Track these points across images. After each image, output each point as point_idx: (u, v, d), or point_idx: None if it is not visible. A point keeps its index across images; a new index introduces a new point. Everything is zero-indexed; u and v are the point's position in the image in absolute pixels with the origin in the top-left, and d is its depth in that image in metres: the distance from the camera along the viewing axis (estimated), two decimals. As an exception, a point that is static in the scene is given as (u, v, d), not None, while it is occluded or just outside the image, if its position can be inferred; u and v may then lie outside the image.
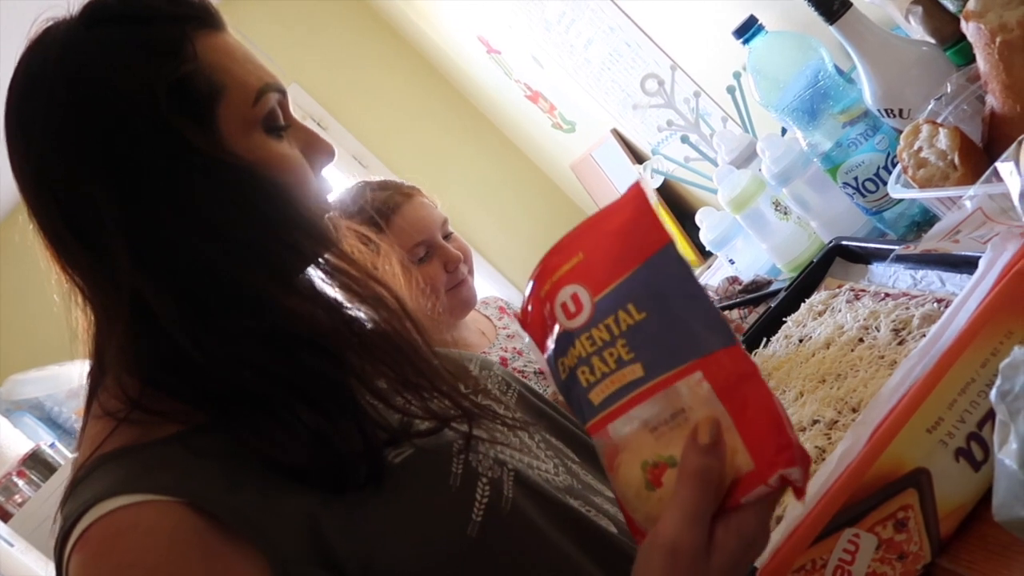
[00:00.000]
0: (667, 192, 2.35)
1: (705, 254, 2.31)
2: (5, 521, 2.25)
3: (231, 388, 0.56)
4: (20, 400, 2.70)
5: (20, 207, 0.59)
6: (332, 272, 0.63)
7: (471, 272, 1.33)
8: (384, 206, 1.26)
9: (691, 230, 2.35)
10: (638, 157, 2.35)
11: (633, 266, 0.47)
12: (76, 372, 2.80)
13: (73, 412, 2.76)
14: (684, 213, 2.37)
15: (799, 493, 0.46)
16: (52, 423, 2.72)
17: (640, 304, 0.46)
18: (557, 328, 0.49)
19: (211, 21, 0.61)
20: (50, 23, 0.60)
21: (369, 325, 0.62)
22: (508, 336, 1.36)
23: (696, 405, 0.46)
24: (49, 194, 0.58)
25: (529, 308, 0.52)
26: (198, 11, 0.60)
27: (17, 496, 2.38)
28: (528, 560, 0.59)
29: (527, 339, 0.52)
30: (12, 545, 2.09)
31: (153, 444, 0.56)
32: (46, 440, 2.51)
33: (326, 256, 0.63)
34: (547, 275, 0.50)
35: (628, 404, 0.47)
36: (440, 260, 1.28)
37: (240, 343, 0.57)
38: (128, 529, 0.51)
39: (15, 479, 2.39)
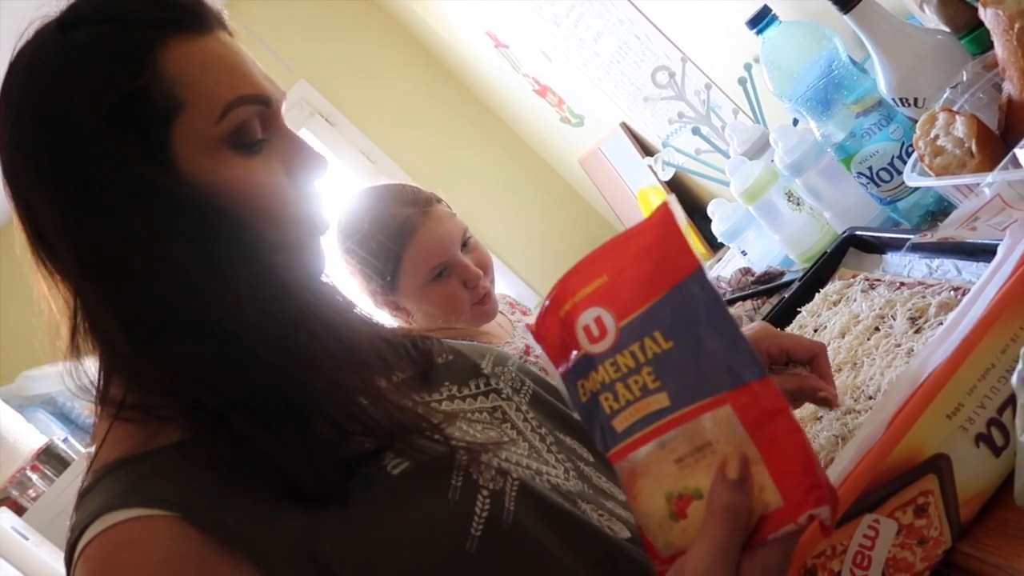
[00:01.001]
0: (676, 185, 2.34)
1: (715, 247, 2.31)
2: (19, 515, 2.26)
3: (180, 408, 0.56)
4: (33, 396, 2.72)
5: None
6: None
7: (493, 282, 1.29)
8: (402, 228, 1.22)
9: (700, 223, 2.36)
10: (647, 150, 2.35)
11: (661, 292, 0.46)
12: (87, 368, 2.81)
13: (85, 408, 2.78)
14: (694, 206, 2.37)
15: (826, 532, 0.45)
16: (65, 418, 2.74)
17: (668, 332, 0.46)
18: (577, 351, 0.48)
19: (192, 25, 0.58)
20: (37, 24, 0.60)
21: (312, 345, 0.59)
22: (526, 327, 1.33)
23: (723, 438, 0.45)
24: (15, 192, 0.59)
25: (545, 324, 0.50)
26: (177, 14, 0.58)
27: (31, 490, 2.40)
28: (530, 574, 0.58)
29: (539, 350, 0.52)
30: (27, 539, 2.10)
31: (153, 453, 0.56)
32: (59, 435, 2.53)
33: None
34: (568, 295, 0.48)
35: (652, 433, 0.46)
36: (459, 277, 1.24)
37: (182, 365, 0.56)
38: (125, 545, 0.52)
39: (29, 473, 2.40)
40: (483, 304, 1.26)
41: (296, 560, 0.53)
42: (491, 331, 1.31)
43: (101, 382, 0.59)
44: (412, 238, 1.21)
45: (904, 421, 0.59)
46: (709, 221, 2.35)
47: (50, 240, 0.58)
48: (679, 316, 0.45)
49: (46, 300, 0.60)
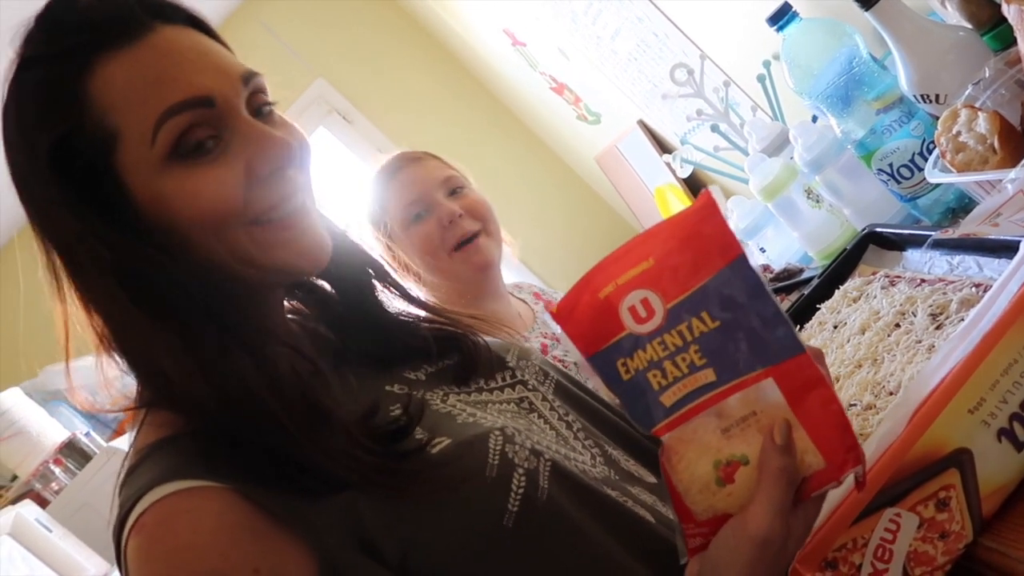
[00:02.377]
0: (694, 182, 2.34)
1: (732, 245, 2.31)
2: (43, 508, 2.29)
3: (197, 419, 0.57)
4: (55, 390, 2.75)
5: None
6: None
7: (487, 232, 1.24)
8: (386, 170, 1.24)
9: (718, 221, 2.35)
10: (664, 148, 2.35)
11: (707, 276, 0.48)
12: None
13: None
14: (711, 204, 2.37)
15: (861, 487, 0.51)
16: (86, 413, 2.77)
17: (714, 313, 0.48)
18: (620, 332, 0.50)
19: (118, 37, 0.55)
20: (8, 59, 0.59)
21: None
22: (547, 321, 1.31)
23: (766, 409, 0.49)
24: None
25: (573, 307, 0.52)
26: (101, 32, 0.55)
27: (54, 484, 2.43)
28: (564, 550, 0.59)
29: (558, 330, 0.53)
30: (51, 531, 2.13)
31: (192, 435, 0.57)
32: (81, 429, 2.56)
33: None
34: (609, 279, 0.50)
35: (699, 407, 0.50)
36: (435, 217, 1.21)
37: (184, 378, 0.56)
38: (180, 514, 0.53)
39: (52, 467, 2.43)
40: (466, 250, 1.21)
41: (342, 534, 0.54)
42: (511, 320, 1.28)
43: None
44: (393, 179, 1.23)
45: (926, 416, 0.59)
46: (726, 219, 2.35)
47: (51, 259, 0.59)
48: (724, 298, 0.48)
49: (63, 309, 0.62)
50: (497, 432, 0.61)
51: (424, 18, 3.25)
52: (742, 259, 0.48)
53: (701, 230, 0.49)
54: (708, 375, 0.49)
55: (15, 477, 2.52)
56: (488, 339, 0.78)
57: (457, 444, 0.59)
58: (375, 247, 1.29)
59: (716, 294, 0.48)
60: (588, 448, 0.68)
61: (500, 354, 0.74)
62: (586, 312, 0.51)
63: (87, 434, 2.53)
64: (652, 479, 0.70)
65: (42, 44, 0.56)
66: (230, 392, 0.55)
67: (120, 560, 0.56)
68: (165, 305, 0.56)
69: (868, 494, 0.59)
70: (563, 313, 0.52)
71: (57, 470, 2.43)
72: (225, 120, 0.57)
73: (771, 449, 0.48)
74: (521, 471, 0.59)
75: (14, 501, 2.31)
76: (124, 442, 2.50)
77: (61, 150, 0.55)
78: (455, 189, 1.25)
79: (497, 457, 0.59)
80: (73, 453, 2.45)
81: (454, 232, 1.21)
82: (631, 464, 0.70)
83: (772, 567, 0.50)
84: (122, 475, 0.59)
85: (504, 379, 0.72)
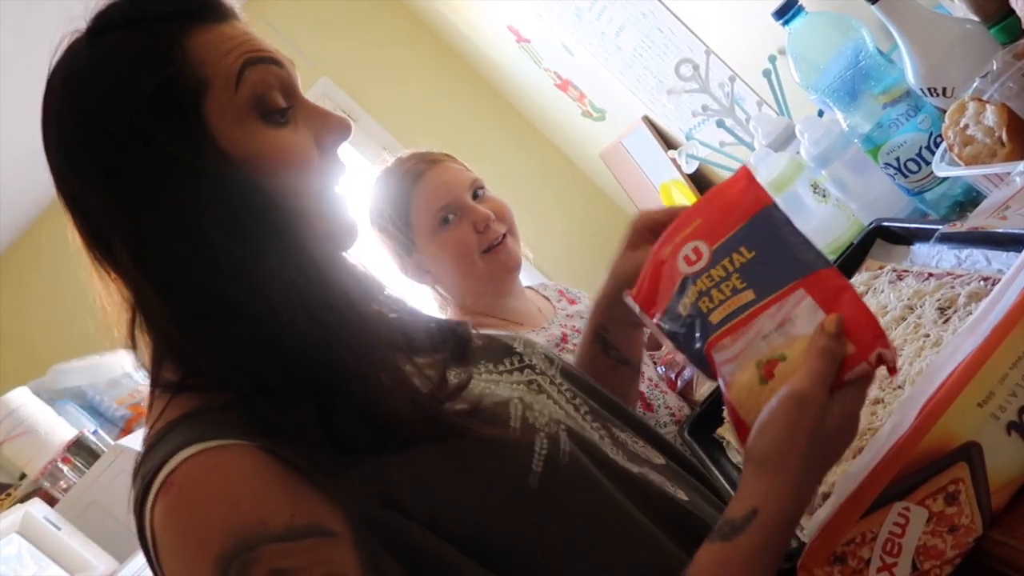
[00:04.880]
0: (699, 178, 2.34)
1: (738, 241, 2.30)
2: (51, 506, 2.30)
3: (232, 383, 0.58)
4: (63, 389, 2.77)
5: (58, 205, 0.62)
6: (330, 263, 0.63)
7: (512, 233, 1.26)
8: (408, 175, 1.23)
9: (723, 217, 2.35)
10: (670, 144, 2.34)
11: (745, 219, 0.59)
12: (117, 362, 2.86)
13: (114, 401, 2.82)
14: (716, 200, 2.37)
15: (892, 370, 0.57)
16: (94, 411, 2.79)
17: (750, 246, 0.58)
18: (678, 278, 0.61)
19: (209, 15, 0.61)
20: (68, 39, 0.63)
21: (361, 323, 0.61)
22: (567, 316, 1.32)
23: (801, 315, 0.57)
24: (68, 199, 0.62)
25: (643, 280, 0.64)
26: (194, 6, 0.61)
27: (62, 482, 2.44)
28: (587, 510, 0.60)
29: (636, 308, 0.62)
30: (59, 529, 2.14)
31: (219, 408, 0.58)
32: (89, 427, 2.57)
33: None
34: (667, 242, 0.62)
35: (743, 321, 0.59)
36: (469, 221, 1.22)
37: (231, 347, 0.58)
38: (210, 468, 0.53)
39: (60, 465, 2.44)
40: (497, 252, 1.23)
41: (371, 494, 0.55)
42: (530, 316, 1.29)
43: (153, 367, 0.62)
44: (418, 183, 1.22)
45: (935, 409, 0.59)
46: (732, 214, 2.34)
47: (105, 238, 0.60)
48: (760, 233, 0.58)
49: (101, 297, 0.63)
50: (516, 400, 0.63)
51: (428, 16, 3.25)
52: (773, 206, 0.58)
53: (738, 191, 0.60)
54: (748, 295, 0.58)
55: (23, 476, 2.53)
56: (492, 331, 0.80)
57: (478, 409, 0.61)
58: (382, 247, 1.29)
59: (752, 232, 0.58)
60: (596, 429, 0.69)
61: (506, 342, 0.76)
62: (652, 280, 0.62)
63: (95, 432, 2.54)
64: (660, 460, 0.71)
65: (141, 9, 0.61)
66: (318, 334, 0.57)
67: (144, 534, 0.56)
68: (253, 249, 0.58)
69: (877, 487, 0.59)
70: (636, 291, 0.63)
71: (65, 468, 2.44)
72: (292, 93, 0.62)
73: (819, 332, 0.55)
74: (543, 434, 0.61)
75: (23, 499, 2.32)
76: (132, 440, 2.51)
77: (159, 96, 0.58)
78: (477, 192, 1.26)
79: (519, 422, 0.61)
80: (81, 451, 2.46)
81: (487, 236, 1.23)
82: (638, 446, 0.72)
83: (810, 435, 0.53)
84: (141, 454, 0.59)
85: (512, 363, 0.73)
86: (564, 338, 1.23)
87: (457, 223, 1.22)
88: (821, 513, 0.63)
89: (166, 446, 0.56)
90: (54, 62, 0.62)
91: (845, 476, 0.64)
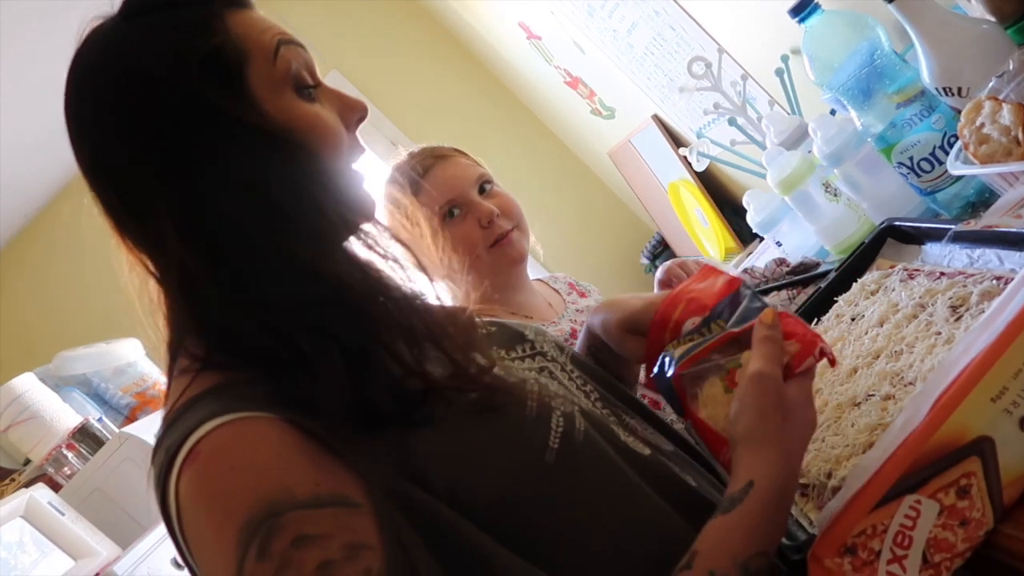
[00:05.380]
0: (708, 178, 2.34)
1: (744, 240, 2.30)
2: (55, 492, 2.31)
3: (265, 351, 0.59)
4: (68, 376, 2.77)
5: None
6: (360, 235, 0.65)
7: (519, 228, 1.27)
8: (415, 169, 1.25)
9: (731, 217, 2.35)
10: (679, 143, 2.35)
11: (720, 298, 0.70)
12: (122, 350, 2.86)
13: (119, 389, 2.83)
14: (725, 200, 2.37)
15: (833, 361, 0.66)
16: (99, 399, 2.79)
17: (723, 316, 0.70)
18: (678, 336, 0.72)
19: (240, 3, 0.65)
20: (96, 22, 0.65)
21: (394, 289, 0.64)
22: (577, 311, 1.33)
23: (748, 331, 0.65)
24: (104, 177, 0.63)
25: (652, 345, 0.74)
26: None
27: (66, 468, 2.45)
28: (602, 487, 0.62)
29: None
30: (63, 514, 2.15)
31: (241, 383, 0.59)
32: (94, 415, 2.58)
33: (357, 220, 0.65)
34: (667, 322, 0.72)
35: (704, 351, 0.67)
36: (474, 216, 1.24)
37: (271, 310, 0.59)
38: (238, 437, 0.55)
39: (65, 451, 2.45)
40: (502, 247, 1.24)
41: (391, 469, 0.56)
42: (540, 310, 1.30)
43: (184, 349, 0.63)
44: (424, 177, 1.24)
45: (948, 404, 0.59)
46: (739, 215, 2.35)
47: (142, 209, 0.61)
48: (725, 307, 0.70)
49: (126, 275, 0.65)
50: (532, 380, 0.65)
51: (438, 10, 3.26)
52: (739, 289, 0.70)
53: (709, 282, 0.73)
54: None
55: (28, 461, 2.55)
56: (502, 320, 0.80)
57: (495, 388, 0.62)
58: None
59: (726, 304, 0.69)
60: (606, 416, 0.70)
61: (518, 330, 0.77)
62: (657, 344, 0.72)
63: (100, 420, 2.55)
64: (668, 447, 0.73)
65: None
66: (360, 290, 0.61)
67: (167, 507, 0.57)
68: (294, 205, 0.60)
69: (889, 480, 0.59)
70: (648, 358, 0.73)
71: (70, 455, 2.44)
72: (315, 75, 0.66)
73: (759, 324, 0.63)
74: (559, 412, 0.63)
75: (27, 485, 2.33)
76: (137, 428, 2.52)
77: (208, 62, 0.61)
78: (484, 186, 1.27)
79: (535, 400, 0.63)
80: (86, 438, 2.46)
81: (492, 231, 1.24)
82: (648, 432, 0.73)
83: (777, 407, 0.60)
84: (163, 428, 0.60)
85: (524, 350, 0.74)
86: (573, 333, 1.24)
87: (462, 218, 1.24)
88: (833, 505, 0.63)
89: (191, 419, 0.57)
90: (81, 44, 0.64)
91: (857, 469, 0.64)
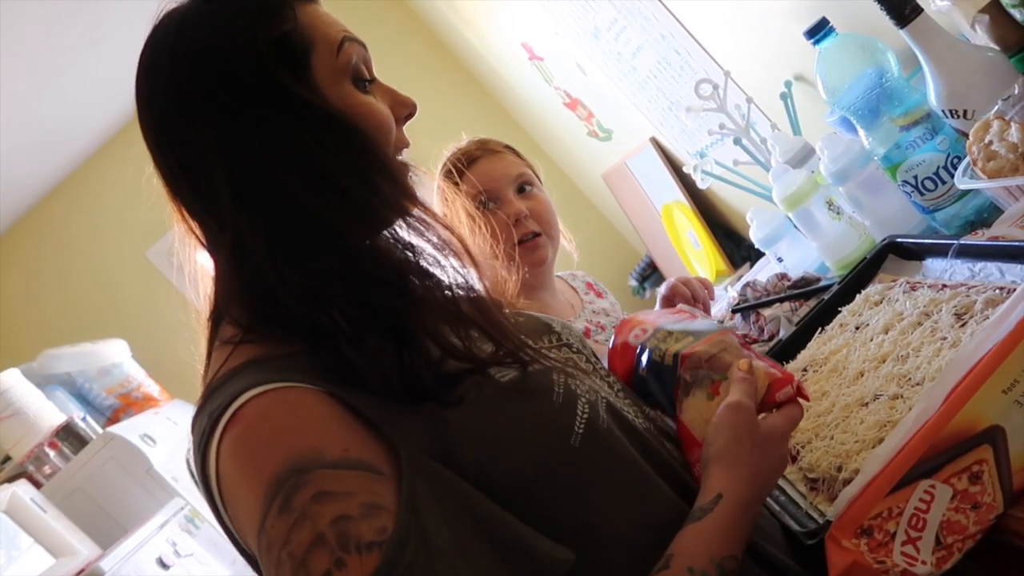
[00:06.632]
0: (703, 201, 2.39)
1: (735, 264, 2.35)
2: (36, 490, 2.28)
3: (311, 320, 0.62)
4: (52, 374, 2.75)
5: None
6: (408, 220, 0.69)
7: (547, 235, 1.31)
8: (461, 159, 1.30)
9: (721, 240, 2.40)
10: (675, 165, 2.39)
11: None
12: (108, 350, 2.81)
13: (103, 390, 2.80)
14: (718, 223, 2.42)
15: (806, 396, 0.71)
16: (82, 399, 2.77)
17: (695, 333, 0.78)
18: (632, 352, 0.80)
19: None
20: (173, 3, 0.69)
21: (438, 270, 0.68)
22: (594, 311, 1.37)
23: (730, 349, 0.73)
24: (168, 146, 0.67)
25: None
26: None
27: (47, 467, 2.42)
28: (621, 474, 0.65)
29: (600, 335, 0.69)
30: (45, 511, 2.12)
31: (282, 356, 0.62)
32: (78, 414, 2.55)
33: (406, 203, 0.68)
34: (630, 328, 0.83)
35: (688, 354, 0.74)
36: (504, 213, 1.28)
37: (321, 280, 0.62)
38: (279, 403, 0.58)
39: (47, 450, 2.42)
40: (525, 248, 1.28)
41: (424, 442, 0.58)
42: (560, 311, 1.32)
43: (227, 320, 0.66)
44: (469, 168, 1.29)
45: (962, 395, 0.63)
46: (731, 239, 2.39)
47: (203, 179, 0.65)
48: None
49: (180, 246, 0.69)
50: (558, 369, 0.67)
51: (438, 28, 3.30)
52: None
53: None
54: (688, 339, 0.76)
55: (8, 458, 2.51)
56: (530, 313, 0.82)
57: (525, 373, 0.65)
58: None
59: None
60: (628, 406, 0.73)
61: (546, 321, 0.80)
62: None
63: (84, 419, 2.52)
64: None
65: None
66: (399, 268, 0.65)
67: (207, 472, 0.59)
68: (343, 185, 0.64)
69: (905, 466, 0.62)
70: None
71: (52, 453, 2.41)
72: (371, 70, 0.70)
73: (735, 369, 0.70)
74: (584, 400, 0.66)
75: (6, 482, 2.29)
76: (122, 428, 2.49)
77: (278, 45, 0.65)
78: (524, 186, 1.32)
79: (561, 387, 0.65)
80: (70, 437, 2.44)
81: (518, 229, 1.29)
82: (667, 423, 0.76)
83: (750, 433, 0.65)
84: (204, 396, 0.63)
85: (551, 341, 0.77)
86: (587, 332, 1.26)
87: (494, 212, 1.28)
88: (850, 490, 0.66)
89: (235, 386, 0.60)
90: (159, 23, 0.68)
91: (873, 456, 0.67)
